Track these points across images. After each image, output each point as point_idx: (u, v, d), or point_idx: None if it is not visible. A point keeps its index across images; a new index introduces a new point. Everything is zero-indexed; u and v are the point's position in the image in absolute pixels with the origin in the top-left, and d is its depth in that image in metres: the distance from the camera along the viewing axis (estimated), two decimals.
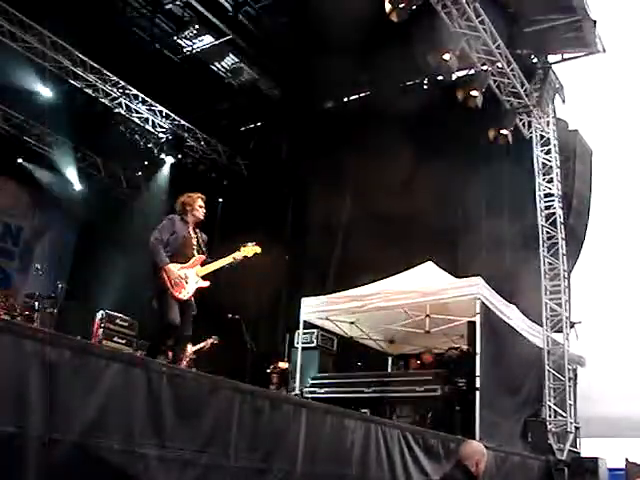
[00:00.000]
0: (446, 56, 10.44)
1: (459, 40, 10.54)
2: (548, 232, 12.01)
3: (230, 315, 10.57)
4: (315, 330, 11.95)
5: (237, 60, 14.29)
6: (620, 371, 19.43)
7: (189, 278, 6.58)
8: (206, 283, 6.74)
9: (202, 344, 10.94)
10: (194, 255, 6.73)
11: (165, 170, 16.62)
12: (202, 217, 6.96)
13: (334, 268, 14.70)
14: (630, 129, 24.51)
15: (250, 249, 6.93)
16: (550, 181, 12.27)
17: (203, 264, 6.77)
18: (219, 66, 14.54)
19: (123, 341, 12.04)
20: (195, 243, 6.80)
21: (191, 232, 6.81)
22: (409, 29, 10.74)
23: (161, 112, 15.58)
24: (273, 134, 16.49)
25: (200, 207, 6.91)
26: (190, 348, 10.33)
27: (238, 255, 6.87)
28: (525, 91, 11.99)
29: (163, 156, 16.38)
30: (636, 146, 23.55)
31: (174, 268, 6.47)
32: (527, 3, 11.71)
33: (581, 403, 12.11)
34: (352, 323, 12.12)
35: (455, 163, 13.05)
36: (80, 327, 11.81)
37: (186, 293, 6.55)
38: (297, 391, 10.85)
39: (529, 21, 12.07)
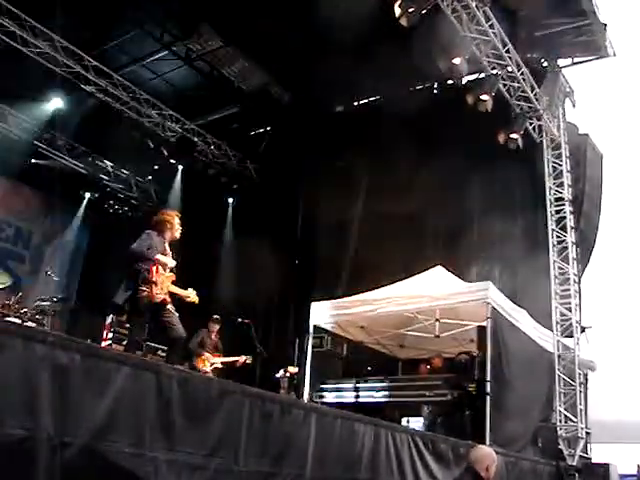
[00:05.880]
0: (456, 60, 10.45)
1: (469, 44, 10.54)
2: (558, 236, 11.96)
3: (240, 319, 10.57)
4: (325, 334, 11.94)
5: (247, 64, 14.30)
6: (632, 376, 19.33)
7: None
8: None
9: (235, 358, 10.60)
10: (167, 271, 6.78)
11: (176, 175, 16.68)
12: (178, 236, 7.04)
13: (345, 271, 14.65)
14: None
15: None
16: (560, 185, 12.23)
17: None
18: (229, 70, 14.54)
19: None
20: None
21: (167, 249, 6.85)
22: (419, 33, 10.74)
23: (171, 116, 15.63)
24: (283, 138, 16.49)
25: (178, 226, 6.99)
26: (218, 359, 10.28)
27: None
28: (535, 95, 11.96)
29: (173, 160, 16.39)
30: None
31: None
32: (537, 7, 11.69)
33: (592, 408, 12.04)
34: (362, 327, 12.10)
35: (466, 166, 13.02)
36: (90, 331, 11.85)
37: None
38: (307, 395, 10.84)
39: (539, 25, 12.06)
